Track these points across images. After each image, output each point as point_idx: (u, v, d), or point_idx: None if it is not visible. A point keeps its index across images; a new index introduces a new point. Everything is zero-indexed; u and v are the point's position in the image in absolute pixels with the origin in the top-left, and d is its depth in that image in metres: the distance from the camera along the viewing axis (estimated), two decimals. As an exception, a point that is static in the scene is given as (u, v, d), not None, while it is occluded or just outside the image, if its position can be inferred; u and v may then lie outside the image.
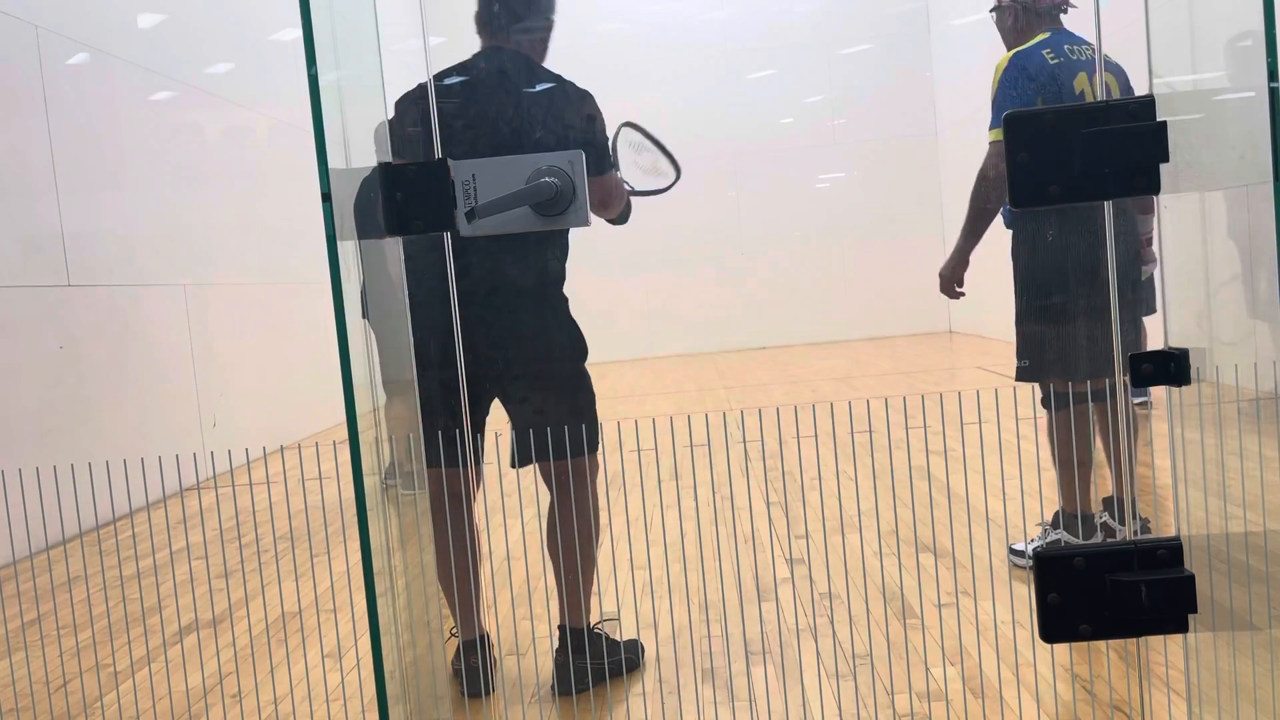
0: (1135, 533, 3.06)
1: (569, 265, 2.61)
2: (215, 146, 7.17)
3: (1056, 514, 3.26)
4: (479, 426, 2.60)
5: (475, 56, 2.57)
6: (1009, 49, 3.23)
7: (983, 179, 3.17)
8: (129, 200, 5.89)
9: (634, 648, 2.75)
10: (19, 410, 4.73)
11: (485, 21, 2.57)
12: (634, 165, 2.61)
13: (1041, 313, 3.19)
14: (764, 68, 12.69)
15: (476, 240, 2.40)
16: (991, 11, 3.37)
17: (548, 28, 2.64)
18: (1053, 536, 3.26)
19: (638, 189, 2.64)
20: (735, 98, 12.65)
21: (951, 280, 3.37)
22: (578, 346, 2.61)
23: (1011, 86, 3.09)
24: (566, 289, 2.62)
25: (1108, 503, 3.29)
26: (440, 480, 2.50)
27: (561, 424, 2.52)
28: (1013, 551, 3.26)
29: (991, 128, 3.14)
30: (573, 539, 2.59)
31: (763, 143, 12.70)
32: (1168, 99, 1.22)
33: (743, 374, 9.95)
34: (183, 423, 6.14)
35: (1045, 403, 3.25)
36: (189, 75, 6.65)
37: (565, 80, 2.53)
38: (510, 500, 4.53)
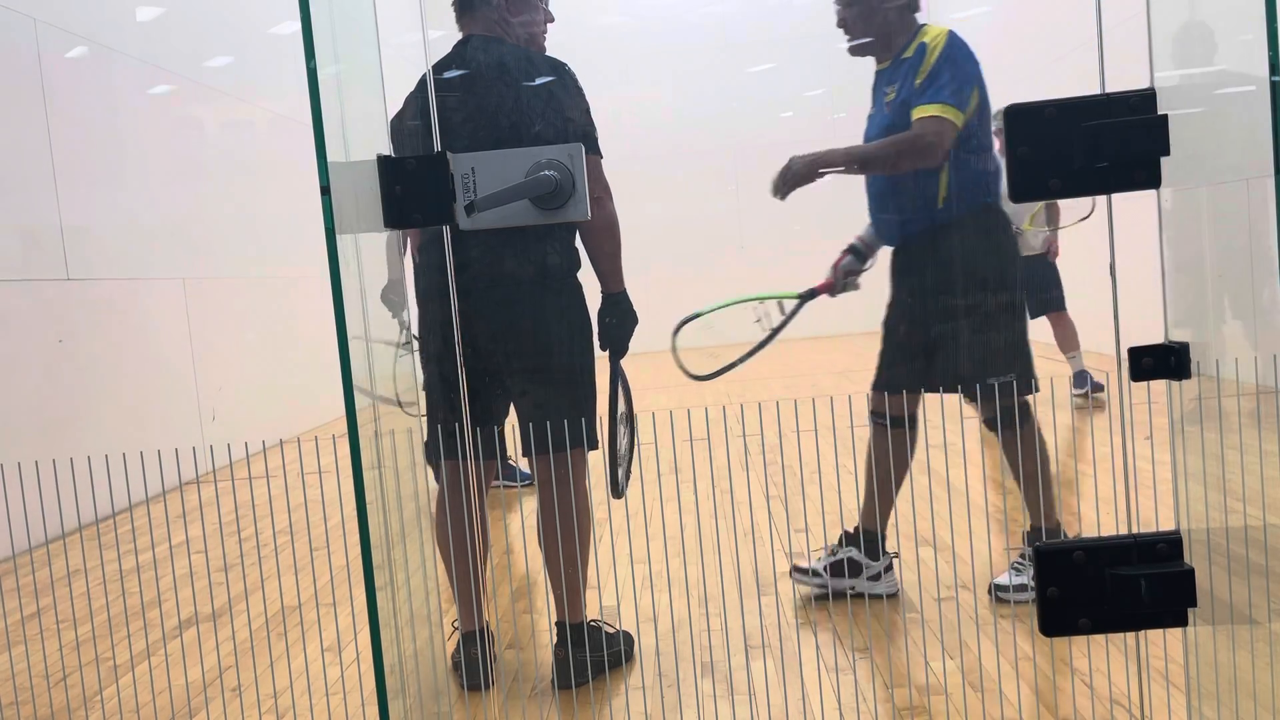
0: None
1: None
2: (214, 140, 7.16)
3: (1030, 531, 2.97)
4: (486, 420, 2.60)
5: (457, 47, 2.56)
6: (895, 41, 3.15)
7: (918, 142, 2.92)
8: (128, 194, 5.88)
9: (628, 639, 2.76)
10: (18, 404, 4.72)
11: (464, 8, 2.57)
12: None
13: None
14: (764, 61, 12.67)
15: (477, 235, 2.40)
16: None
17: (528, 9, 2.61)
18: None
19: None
20: (735, 92, 12.63)
21: (794, 176, 2.94)
22: (581, 340, 2.60)
23: (966, 58, 2.93)
24: None
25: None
26: (452, 471, 2.52)
27: (560, 418, 2.53)
28: (998, 587, 2.90)
29: (943, 101, 2.89)
30: (571, 533, 2.59)
31: (763, 137, 12.68)
32: (1168, 92, 1.22)
33: (742, 368, 9.93)
34: (182, 417, 6.14)
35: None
36: (188, 69, 6.63)
37: (535, 55, 2.52)
38: (509, 493, 4.53)
